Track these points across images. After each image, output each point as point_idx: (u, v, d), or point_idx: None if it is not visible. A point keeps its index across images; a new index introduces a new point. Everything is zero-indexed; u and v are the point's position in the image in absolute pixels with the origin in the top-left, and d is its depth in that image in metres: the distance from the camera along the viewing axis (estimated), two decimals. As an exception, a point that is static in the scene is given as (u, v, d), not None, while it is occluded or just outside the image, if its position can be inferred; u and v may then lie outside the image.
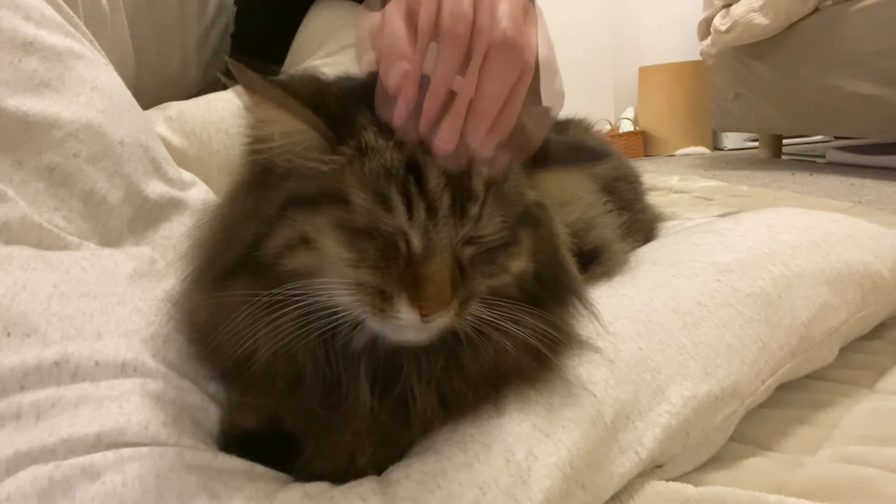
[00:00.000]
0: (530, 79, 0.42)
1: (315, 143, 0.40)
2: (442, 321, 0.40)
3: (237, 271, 0.42)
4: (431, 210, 0.39)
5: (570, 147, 0.48)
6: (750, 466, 0.57)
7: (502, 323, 0.42)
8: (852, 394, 0.68)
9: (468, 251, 0.41)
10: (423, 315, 0.39)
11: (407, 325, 0.40)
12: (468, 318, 0.42)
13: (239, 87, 0.39)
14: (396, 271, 0.39)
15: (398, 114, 0.40)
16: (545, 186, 0.45)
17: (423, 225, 0.39)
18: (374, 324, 0.41)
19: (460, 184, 0.39)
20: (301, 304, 0.41)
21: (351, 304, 0.40)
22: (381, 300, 0.39)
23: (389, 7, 0.46)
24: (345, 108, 0.41)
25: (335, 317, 0.41)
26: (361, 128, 0.40)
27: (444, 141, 0.40)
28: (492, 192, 0.40)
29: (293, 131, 0.40)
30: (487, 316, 0.42)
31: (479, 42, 0.40)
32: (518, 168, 0.43)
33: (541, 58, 0.43)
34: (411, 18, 0.43)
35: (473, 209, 0.40)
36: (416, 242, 0.39)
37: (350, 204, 0.39)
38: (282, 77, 0.43)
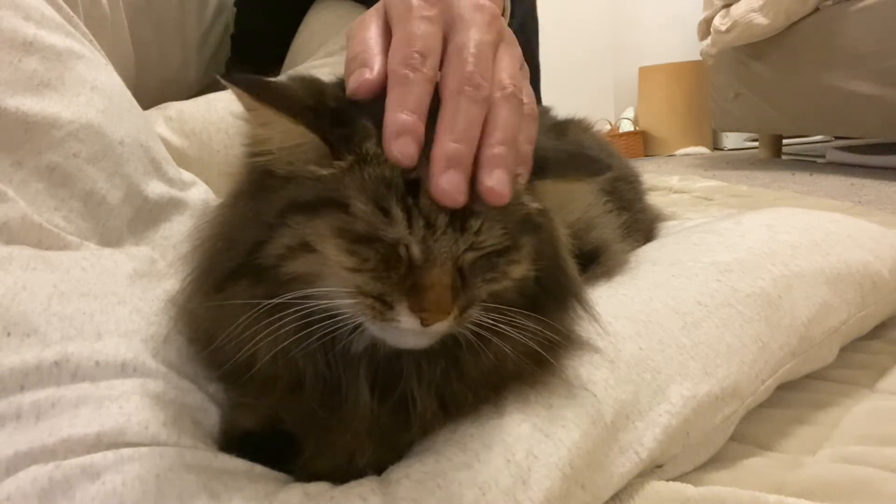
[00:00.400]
0: (504, 112, 0.41)
1: (315, 149, 0.40)
2: (442, 327, 0.40)
3: (237, 276, 0.42)
4: (430, 224, 0.38)
5: (572, 156, 0.48)
6: (750, 466, 0.57)
7: (503, 327, 0.42)
8: (852, 394, 0.68)
9: (469, 257, 0.41)
10: (423, 322, 0.39)
11: (407, 331, 0.40)
12: (468, 323, 0.42)
13: (238, 90, 0.39)
14: (397, 278, 0.39)
15: (389, 139, 0.39)
16: (545, 192, 0.45)
17: (422, 236, 0.39)
18: (374, 329, 0.41)
19: None
20: (301, 308, 0.40)
21: (351, 309, 0.40)
22: (382, 306, 0.39)
23: (370, 12, 0.46)
24: (346, 112, 0.41)
25: (335, 321, 0.41)
26: (362, 136, 0.40)
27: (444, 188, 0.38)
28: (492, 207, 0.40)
29: (293, 136, 0.40)
30: (488, 320, 0.42)
31: (449, 82, 0.40)
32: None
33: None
34: (387, 28, 0.43)
35: (474, 224, 0.39)
36: (417, 252, 0.39)
37: (350, 211, 0.39)
38: (282, 80, 0.43)
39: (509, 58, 0.44)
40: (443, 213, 0.38)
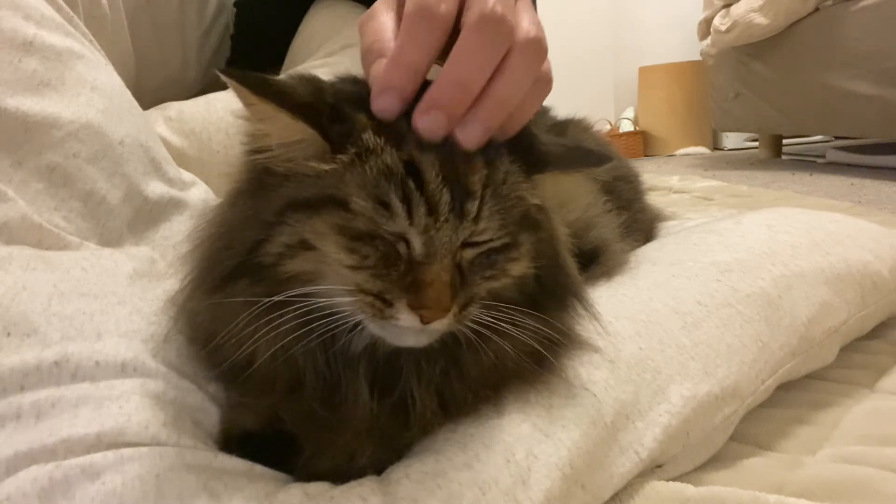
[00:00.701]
0: (522, 59, 0.41)
1: (315, 145, 0.40)
2: (442, 325, 0.40)
3: (237, 274, 0.42)
4: (431, 210, 0.38)
5: (570, 150, 0.48)
6: (750, 466, 0.57)
7: (503, 325, 0.42)
8: (852, 394, 0.68)
9: (468, 254, 0.41)
10: (422, 319, 0.39)
11: (406, 329, 0.40)
12: (468, 321, 0.42)
13: (237, 85, 0.39)
14: (396, 275, 0.39)
15: (374, 95, 0.40)
16: (545, 188, 0.45)
17: (423, 227, 0.39)
18: (374, 327, 0.41)
19: (458, 182, 0.39)
20: (301, 307, 0.40)
21: (350, 307, 0.40)
22: (381, 304, 0.39)
23: (380, 2, 0.46)
24: (344, 110, 0.41)
25: (335, 320, 0.41)
26: (360, 131, 0.40)
27: (428, 124, 0.40)
28: (490, 191, 0.40)
29: (292, 132, 0.40)
30: (488, 318, 0.42)
31: (469, 16, 0.40)
32: (517, 171, 0.43)
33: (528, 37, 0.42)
34: (400, 12, 0.43)
35: (472, 207, 0.39)
36: (417, 245, 0.39)
37: (350, 208, 0.39)
38: (281, 78, 0.43)
39: (531, 8, 0.43)
40: (444, 195, 0.38)
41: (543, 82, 0.44)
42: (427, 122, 0.39)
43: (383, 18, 0.43)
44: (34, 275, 0.48)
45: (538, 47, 0.42)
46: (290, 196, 0.40)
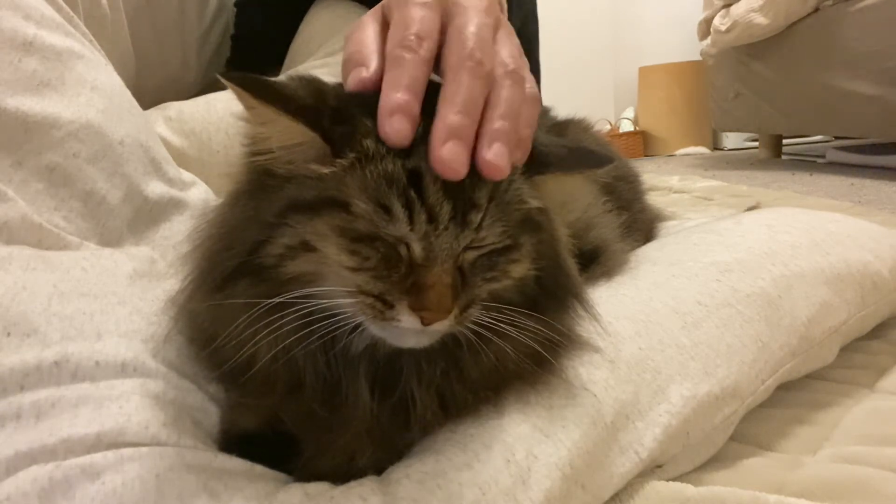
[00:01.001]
0: (505, 92, 0.42)
1: (315, 147, 0.40)
2: (443, 326, 0.40)
3: (237, 275, 0.42)
4: (432, 219, 0.38)
5: (572, 151, 0.48)
6: (750, 466, 0.57)
7: (503, 326, 0.42)
8: (852, 394, 0.68)
9: (469, 256, 0.41)
10: (423, 321, 0.39)
11: (407, 330, 0.40)
12: (469, 322, 0.42)
13: (238, 89, 0.39)
14: (398, 277, 0.39)
15: (380, 124, 0.39)
16: (546, 189, 0.45)
17: (424, 233, 0.38)
18: (375, 328, 0.41)
19: (462, 193, 0.39)
20: (301, 308, 0.40)
21: (351, 308, 0.40)
22: (382, 305, 0.39)
23: (367, 15, 0.46)
24: (346, 113, 0.41)
25: (335, 321, 0.41)
26: (363, 134, 0.39)
27: (445, 161, 0.39)
28: (494, 201, 0.40)
29: (293, 134, 0.40)
30: (488, 319, 0.42)
31: (450, 59, 0.41)
32: (519, 174, 0.42)
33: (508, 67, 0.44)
34: (385, 27, 0.44)
35: (475, 218, 0.39)
36: (418, 250, 0.39)
37: (351, 210, 0.39)
38: (282, 81, 0.43)
39: (509, 40, 0.45)
40: (445, 206, 0.38)
41: (531, 102, 0.44)
42: (450, 152, 0.37)
43: (367, 30, 0.44)
44: (34, 275, 0.48)
45: (517, 77, 0.43)
46: (290, 197, 0.40)
